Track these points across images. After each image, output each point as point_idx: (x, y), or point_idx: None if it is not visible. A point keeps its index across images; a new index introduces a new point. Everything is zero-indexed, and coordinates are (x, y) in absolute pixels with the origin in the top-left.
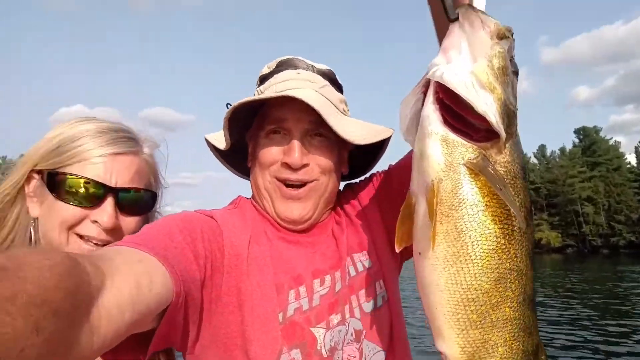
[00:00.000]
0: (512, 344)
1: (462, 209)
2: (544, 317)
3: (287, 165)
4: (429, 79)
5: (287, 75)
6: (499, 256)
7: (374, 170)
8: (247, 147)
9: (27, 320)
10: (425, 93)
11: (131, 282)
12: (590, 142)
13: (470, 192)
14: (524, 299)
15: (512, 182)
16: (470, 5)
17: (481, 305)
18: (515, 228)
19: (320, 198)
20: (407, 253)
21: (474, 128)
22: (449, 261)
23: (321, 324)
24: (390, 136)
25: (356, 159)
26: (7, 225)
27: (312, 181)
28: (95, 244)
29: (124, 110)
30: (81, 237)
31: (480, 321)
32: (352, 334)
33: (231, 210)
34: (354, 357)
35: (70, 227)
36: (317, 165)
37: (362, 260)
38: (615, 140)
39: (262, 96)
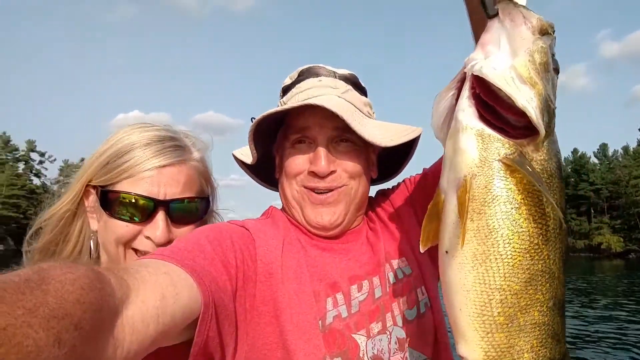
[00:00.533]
0: (539, 350)
1: (495, 206)
2: (605, 327)
3: (314, 174)
4: (465, 75)
5: (309, 83)
6: (531, 256)
7: (406, 174)
8: (274, 160)
9: (48, 333)
10: (460, 88)
11: (156, 294)
12: None
13: (504, 188)
14: (554, 303)
15: (549, 180)
16: (511, 0)
17: (509, 308)
18: (550, 228)
19: (350, 203)
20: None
21: (510, 124)
22: (478, 260)
23: (361, 331)
24: (419, 136)
25: (386, 162)
26: (71, 240)
27: (341, 186)
28: None
29: (177, 115)
30: (137, 251)
31: (508, 324)
32: (395, 343)
33: (263, 220)
34: None
35: (126, 243)
36: (345, 171)
37: (401, 266)
38: None
39: (283, 107)
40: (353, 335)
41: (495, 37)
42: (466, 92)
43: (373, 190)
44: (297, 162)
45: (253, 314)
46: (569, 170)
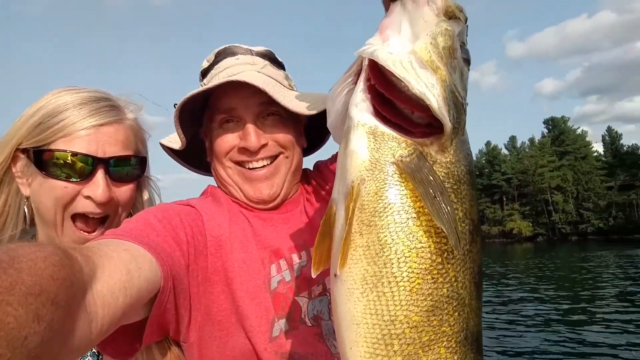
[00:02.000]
0: None
1: (387, 217)
2: (518, 304)
3: (244, 150)
4: (361, 67)
5: (227, 63)
6: (433, 279)
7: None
8: (203, 144)
9: (27, 310)
10: (356, 81)
11: (121, 269)
12: (559, 132)
13: (399, 195)
14: (465, 336)
15: (455, 187)
16: None
17: (408, 345)
18: (457, 244)
19: (286, 173)
20: None
21: (412, 122)
22: (369, 284)
23: (303, 294)
24: None
25: (313, 132)
26: None
27: (276, 156)
28: (92, 218)
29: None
30: (75, 220)
31: None
32: None
33: (205, 198)
34: None
35: (65, 206)
36: (276, 143)
37: None
38: (583, 130)
39: (206, 87)
40: (296, 298)
41: (396, 20)
42: (361, 84)
43: (308, 162)
44: (227, 140)
45: (206, 285)
46: (484, 161)
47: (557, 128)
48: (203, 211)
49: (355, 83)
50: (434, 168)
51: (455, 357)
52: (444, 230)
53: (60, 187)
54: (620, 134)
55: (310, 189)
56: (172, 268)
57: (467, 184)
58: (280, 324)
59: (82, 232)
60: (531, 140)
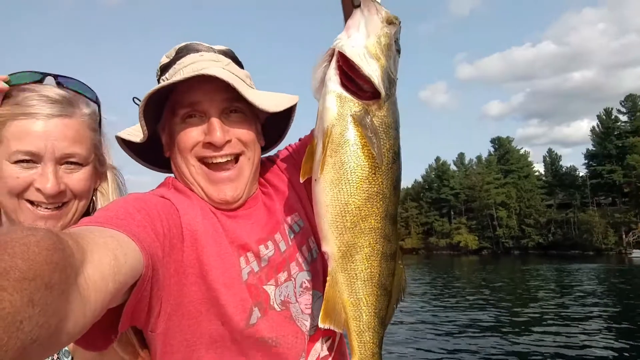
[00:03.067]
0: (374, 246)
1: (345, 147)
2: (461, 313)
3: (209, 145)
4: (334, 50)
5: (191, 58)
6: (369, 182)
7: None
8: (159, 141)
9: (22, 294)
10: (330, 61)
11: (109, 254)
12: (504, 151)
13: (352, 135)
14: (386, 215)
15: (385, 130)
16: None
17: (354, 216)
18: (384, 163)
19: (249, 175)
20: None
21: (362, 90)
22: (334, 184)
23: (271, 282)
24: (296, 103)
25: (268, 130)
26: None
27: (239, 155)
28: (46, 207)
29: None
30: (31, 202)
31: (353, 228)
32: (301, 286)
33: (170, 190)
34: (308, 304)
35: (19, 194)
36: (239, 140)
37: (296, 221)
38: (525, 150)
39: (174, 79)
40: (264, 287)
41: (357, 22)
42: (333, 64)
43: None
44: (191, 135)
45: (179, 277)
46: (433, 176)
47: (502, 147)
48: (178, 204)
49: (329, 62)
50: (373, 119)
51: (379, 225)
52: (374, 154)
53: (11, 178)
54: (560, 156)
55: (265, 182)
56: (152, 257)
57: (392, 129)
58: (255, 312)
59: (38, 208)
60: (478, 157)
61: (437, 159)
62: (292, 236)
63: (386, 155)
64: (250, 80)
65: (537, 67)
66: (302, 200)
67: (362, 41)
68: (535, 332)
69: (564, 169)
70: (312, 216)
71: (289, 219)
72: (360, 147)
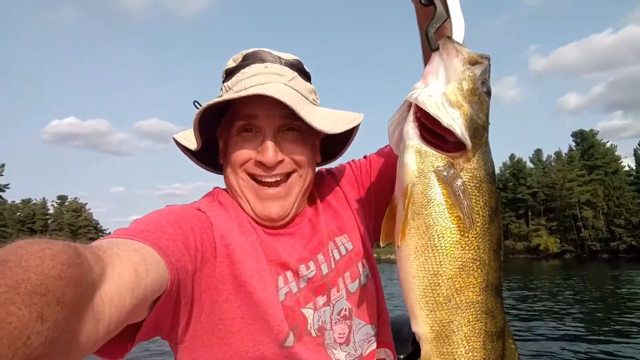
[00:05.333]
0: (475, 324)
1: (429, 208)
2: (542, 324)
3: (260, 164)
4: (410, 104)
5: (255, 69)
6: (461, 247)
7: (347, 156)
8: (217, 142)
9: (30, 310)
10: (408, 113)
11: (130, 269)
12: (587, 145)
13: (436, 193)
14: (486, 285)
15: (478, 185)
16: (449, 37)
17: (446, 289)
18: (479, 224)
19: (298, 193)
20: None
21: (446, 142)
22: (419, 251)
23: (309, 305)
24: (360, 122)
25: (327, 144)
26: None
27: (290, 174)
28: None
29: (117, 121)
30: None
31: (446, 303)
32: (338, 314)
33: (212, 202)
34: (343, 334)
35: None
36: (292, 160)
37: (344, 243)
38: (612, 144)
39: (231, 96)
40: (302, 310)
41: (435, 68)
42: (411, 116)
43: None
44: (244, 152)
45: (210, 293)
46: (508, 174)
47: (586, 141)
48: (213, 218)
49: (407, 113)
50: (461, 174)
51: (479, 299)
52: (462, 215)
53: None
54: None
55: (316, 195)
56: (179, 272)
57: (486, 182)
58: (290, 336)
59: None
60: (557, 153)
61: (512, 157)
62: (337, 259)
63: (480, 214)
64: (315, 95)
65: (619, 54)
66: (357, 221)
67: (440, 89)
68: (632, 345)
69: None
70: (365, 238)
71: (336, 239)
72: (447, 207)
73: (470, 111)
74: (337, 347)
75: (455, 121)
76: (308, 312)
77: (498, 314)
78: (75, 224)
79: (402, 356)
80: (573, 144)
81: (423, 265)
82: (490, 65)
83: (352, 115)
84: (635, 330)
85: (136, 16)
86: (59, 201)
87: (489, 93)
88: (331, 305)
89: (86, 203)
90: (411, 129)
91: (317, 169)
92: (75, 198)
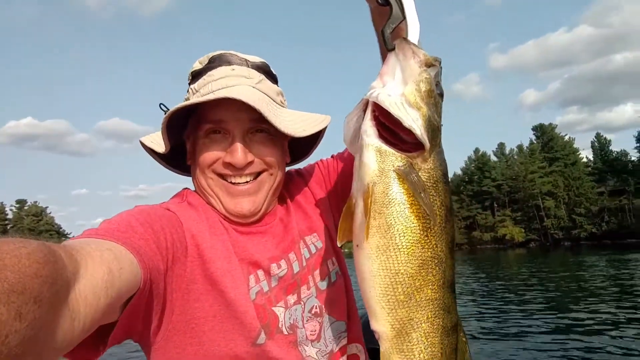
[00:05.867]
0: (433, 321)
1: (391, 207)
2: (506, 310)
3: (229, 165)
4: (368, 100)
5: (222, 72)
6: (422, 246)
7: (315, 156)
8: (184, 144)
9: (9, 308)
10: (365, 111)
11: (103, 268)
12: (547, 138)
13: (398, 193)
14: (443, 282)
15: (434, 185)
16: (405, 38)
17: (407, 287)
18: (437, 222)
19: (268, 191)
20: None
21: (403, 141)
22: (380, 250)
23: (280, 303)
24: (328, 124)
25: (296, 145)
26: None
27: (260, 173)
28: None
29: (77, 122)
30: None
31: (407, 301)
32: (309, 311)
33: (181, 203)
34: (315, 331)
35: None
36: (262, 161)
37: (313, 242)
38: (570, 137)
39: (199, 99)
40: (273, 308)
41: (391, 68)
42: (368, 115)
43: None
44: (212, 153)
45: (181, 292)
46: (473, 168)
47: (545, 135)
48: (183, 218)
49: (364, 111)
50: (420, 173)
51: (437, 296)
52: (425, 213)
53: None
54: (610, 140)
55: (286, 195)
56: (151, 271)
57: (442, 182)
58: (262, 335)
59: None
60: (519, 147)
61: (477, 150)
62: (307, 257)
63: (437, 213)
64: (282, 97)
65: (573, 52)
66: (325, 220)
67: (399, 89)
68: (593, 328)
69: (614, 154)
70: (334, 238)
71: (306, 238)
72: (408, 206)
73: (428, 113)
74: (309, 344)
75: (415, 122)
76: (279, 311)
77: (452, 309)
78: (36, 228)
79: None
80: (534, 137)
81: (384, 264)
82: (442, 69)
83: (319, 117)
84: (594, 311)
85: (96, 13)
86: (17, 205)
87: (442, 95)
88: (302, 303)
89: (47, 207)
90: (369, 128)
91: (287, 169)
92: (35, 202)
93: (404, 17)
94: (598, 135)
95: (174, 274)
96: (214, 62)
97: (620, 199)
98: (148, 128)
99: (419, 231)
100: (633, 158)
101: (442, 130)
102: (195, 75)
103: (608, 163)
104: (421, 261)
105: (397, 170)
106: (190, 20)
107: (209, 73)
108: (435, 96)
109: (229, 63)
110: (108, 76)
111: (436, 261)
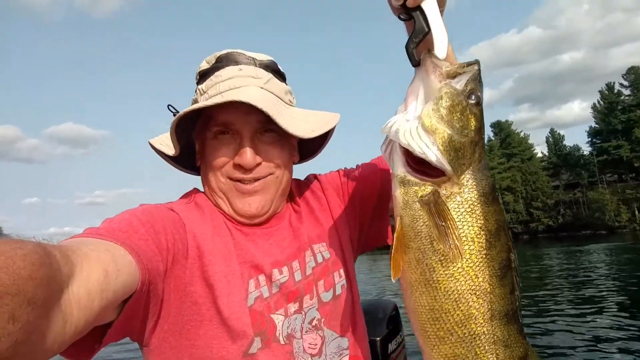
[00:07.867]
0: (483, 356)
1: (417, 241)
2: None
3: (239, 166)
4: None
5: (229, 72)
6: (456, 279)
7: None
8: (193, 144)
9: (2, 310)
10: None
11: (99, 269)
12: (505, 135)
13: (422, 225)
14: (492, 315)
15: (470, 210)
16: (429, 51)
17: (445, 323)
18: (474, 251)
19: (276, 191)
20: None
21: (430, 167)
22: (413, 287)
23: (280, 311)
24: (337, 123)
25: (305, 142)
26: None
27: (267, 175)
28: None
29: (27, 128)
30: None
31: (448, 337)
32: (309, 323)
33: (188, 203)
34: (315, 344)
35: None
36: (270, 162)
37: (321, 251)
38: (525, 134)
39: (207, 103)
40: (272, 315)
41: (415, 88)
42: (397, 144)
43: (299, 171)
44: (221, 155)
45: (179, 294)
46: None
47: (503, 131)
48: (186, 219)
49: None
50: (449, 200)
51: (484, 330)
52: (443, 248)
53: None
54: (563, 135)
55: (300, 201)
56: (150, 273)
57: (481, 205)
58: (256, 342)
59: None
60: None
61: None
62: (312, 266)
63: (475, 240)
64: (291, 95)
65: (523, 52)
66: (338, 230)
67: (418, 112)
68: (550, 316)
69: (567, 149)
70: (346, 249)
71: (315, 247)
72: (435, 239)
73: (447, 133)
74: (308, 358)
75: (429, 148)
76: (278, 319)
77: (513, 342)
78: None
79: (378, 338)
80: (492, 134)
81: (418, 300)
82: (479, 70)
83: (328, 116)
84: (552, 301)
85: (44, 13)
86: None
87: (477, 103)
88: (303, 313)
89: None
90: (396, 156)
91: (307, 174)
92: None
93: (429, 29)
94: (552, 131)
95: (174, 275)
96: (222, 62)
97: (575, 192)
98: (104, 132)
99: (449, 264)
100: (585, 152)
101: None
102: (203, 75)
103: (562, 157)
104: (457, 295)
105: (422, 200)
106: (142, 20)
107: (216, 73)
108: (461, 109)
109: (237, 62)
110: (61, 80)
111: (478, 293)
